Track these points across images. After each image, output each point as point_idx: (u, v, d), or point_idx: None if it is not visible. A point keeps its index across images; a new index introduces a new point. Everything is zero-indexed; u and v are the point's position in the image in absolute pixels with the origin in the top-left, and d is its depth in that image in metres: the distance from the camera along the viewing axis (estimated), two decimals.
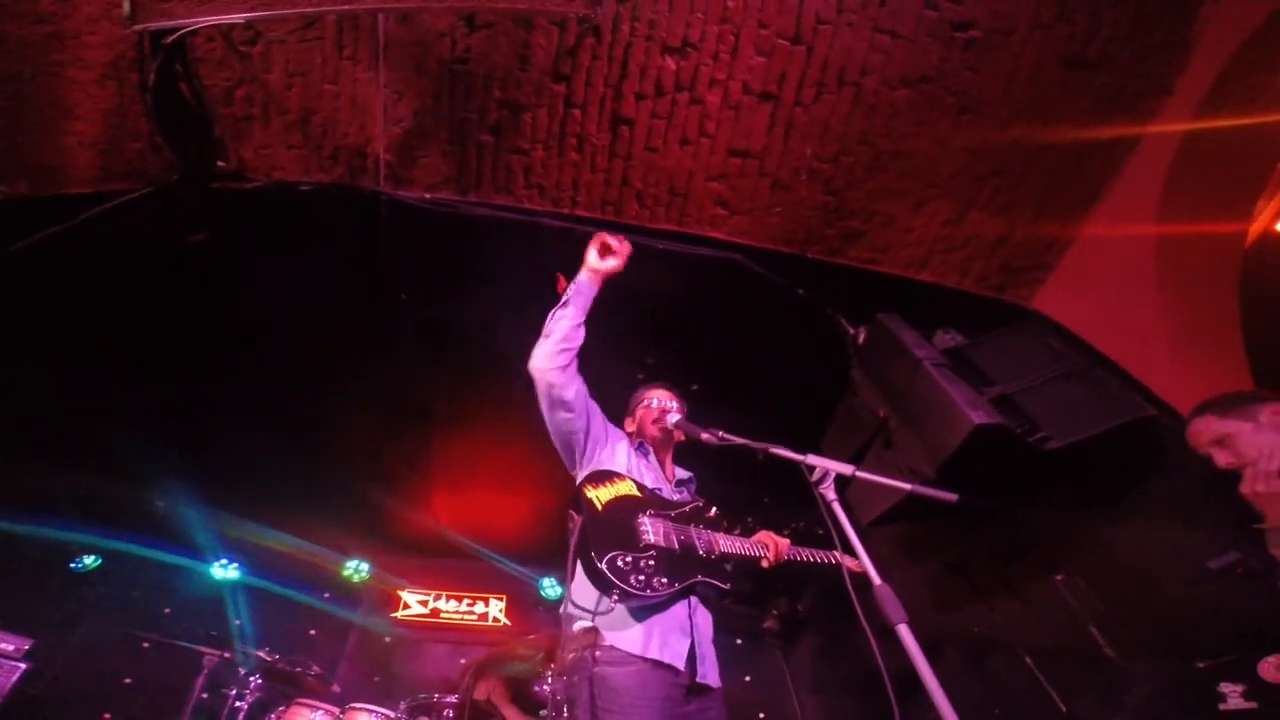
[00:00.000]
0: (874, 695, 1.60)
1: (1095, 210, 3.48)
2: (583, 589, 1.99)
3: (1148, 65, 3.11)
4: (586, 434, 2.30)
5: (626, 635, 1.94)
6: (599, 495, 2.12)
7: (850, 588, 1.69)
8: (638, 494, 2.24)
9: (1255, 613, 2.52)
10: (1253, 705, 2.35)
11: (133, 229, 3.53)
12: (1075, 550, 3.41)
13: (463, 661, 4.50)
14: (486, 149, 3.52)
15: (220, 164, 3.50)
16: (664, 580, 2.01)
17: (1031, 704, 3.34)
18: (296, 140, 3.50)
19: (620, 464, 2.33)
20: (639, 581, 1.96)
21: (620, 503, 2.16)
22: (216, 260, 3.74)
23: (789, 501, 4.95)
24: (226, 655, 3.94)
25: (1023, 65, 3.16)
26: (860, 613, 1.63)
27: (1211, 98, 2.96)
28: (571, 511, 2.10)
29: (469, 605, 6.29)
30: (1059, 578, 3.49)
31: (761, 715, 5.56)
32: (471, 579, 6.38)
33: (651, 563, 2.02)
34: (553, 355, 2.21)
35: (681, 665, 1.97)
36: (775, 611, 5.73)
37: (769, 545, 2.36)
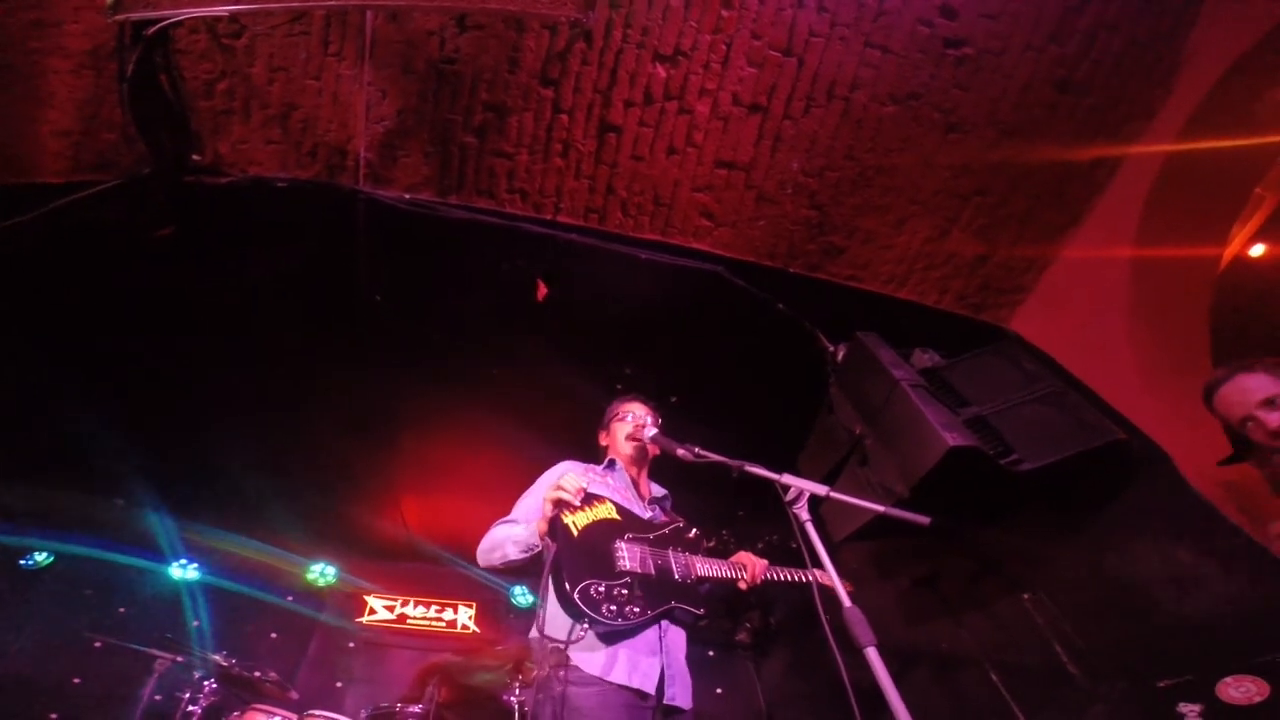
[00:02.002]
0: (846, 708, 1.60)
1: (1074, 232, 3.53)
2: (555, 615, 1.97)
3: (1134, 88, 3.16)
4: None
5: (595, 658, 1.92)
6: (575, 520, 2.09)
7: (820, 609, 1.69)
8: (617, 517, 2.22)
9: (1218, 632, 2.57)
10: None
11: (101, 221, 3.42)
12: (1042, 569, 3.46)
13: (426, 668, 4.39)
14: (469, 151, 3.46)
15: (195, 157, 3.42)
16: (637, 609, 2.00)
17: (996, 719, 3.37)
18: (276, 135, 3.42)
19: (597, 487, 2.30)
20: (611, 611, 1.94)
21: (597, 527, 2.13)
22: (187, 255, 3.63)
23: (763, 515, 5.00)
24: (179, 659, 3.80)
25: (1012, 85, 3.18)
26: (829, 634, 1.63)
27: (1193, 122, 3.00)
28: (546, 537, 2.07)
29: (437, 611, 6.16)
30: (1026, 596, 3.53)
31: None
32: (441, 585, 6.25)
33: (625, 591, 2.01)
34: (492, 565, 2.24)
35: (651, 689, 1.95)
36: (747, 624, 5.72)
37: (746, 566, 2.35)
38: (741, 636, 5.72)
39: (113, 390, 4.39)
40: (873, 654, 1.48)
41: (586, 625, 1.91)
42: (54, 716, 4.62)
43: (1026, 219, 3.54)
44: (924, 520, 1.86)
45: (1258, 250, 3.75)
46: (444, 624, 6.14)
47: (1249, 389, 2.15)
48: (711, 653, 5.86)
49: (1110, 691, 2.99)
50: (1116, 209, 3.33)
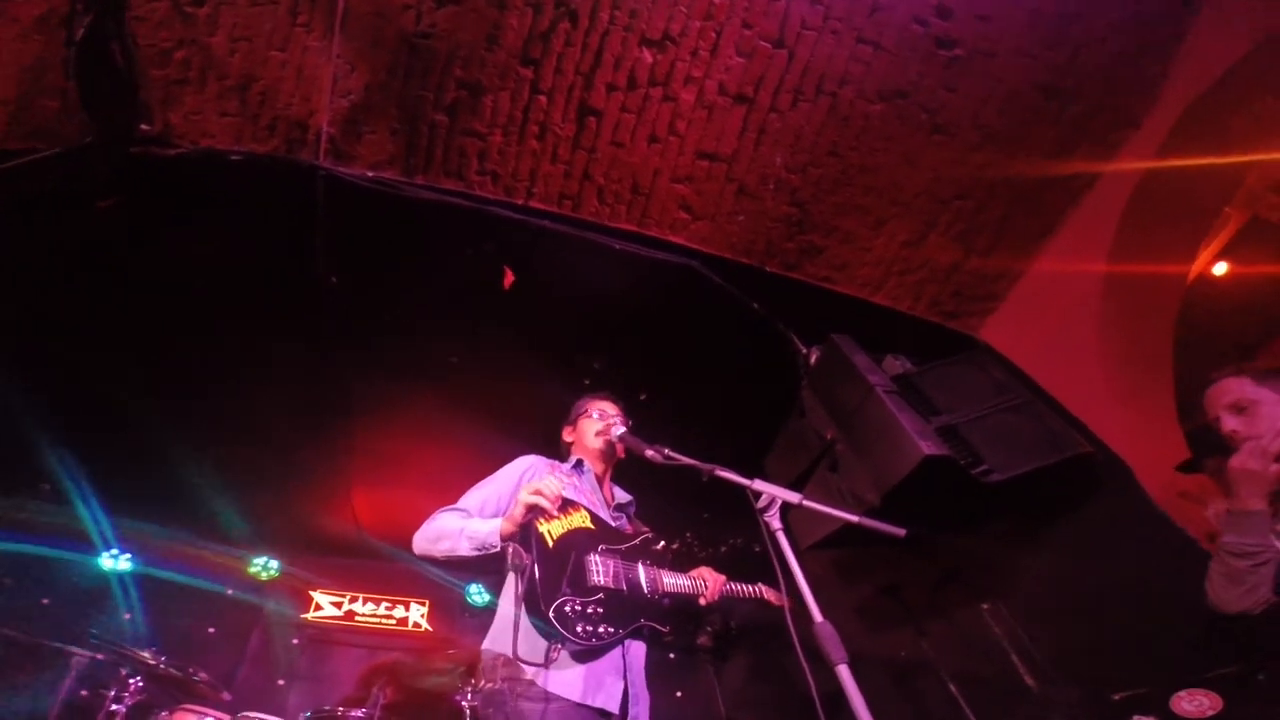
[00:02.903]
0: (805, 713, 1.54)
1: (1049, 244, 3.55)
2: (524, 631, 1.83)
3: (1120, 97, 3.17)
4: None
5: (558, 676, 1.81)
6: (550, 529, 1.98)
7: (791, 624, 1.62)
8: (591, 526, 2.11)
9: (1172, 646, 2.59)
10: None
11: (37, 191, 3.19)
12: (1002, 579, 3.47)
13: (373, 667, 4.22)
14: (439, 129, 3.31)
15: (144, 128, 3.20)
16: (610, 629, 1.90)
17: None
18: (232, 107, 3.22)
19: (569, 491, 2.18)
20: (586, 631, 1.85)
21: (572, 537, 2.03)
22: (129, 230, 3.41)
23: (727, 518, 4.95)
24: (99, 657, 3.55)
25: (1000, 89, 3.17)
26: (797, 644, 1.59)
27: (1175, 135, 3.01)
28: (519, 547, 1.94)
29: (388, 609, 5.96)
30: (985, 606, 3.54)
31: None
32: (392, 581, 6.04)
33: (600, 609, 1.91)
34: (430, 554, 2.08)
35: (615, 708, 1.87)
36: (709, 627, 5.68)
37: (707, 582, 2.29)
38: (703, 640, 5.67)
39: (42, 369, 4.11)
40: (844, 671, 1.41)
41: (560, 646, 1.81)
42: None
43: (1004, 226, 3.54)
44: (899, 532, 1.79)
45: (1220, 269, 3.83)
46: (394, 622, 5.95)
47: (1226, 390, 2.21)
48: (672, 656, 5.81)
49: (1065, 703, 3.01)
50: (1091, 221, 3.35)
